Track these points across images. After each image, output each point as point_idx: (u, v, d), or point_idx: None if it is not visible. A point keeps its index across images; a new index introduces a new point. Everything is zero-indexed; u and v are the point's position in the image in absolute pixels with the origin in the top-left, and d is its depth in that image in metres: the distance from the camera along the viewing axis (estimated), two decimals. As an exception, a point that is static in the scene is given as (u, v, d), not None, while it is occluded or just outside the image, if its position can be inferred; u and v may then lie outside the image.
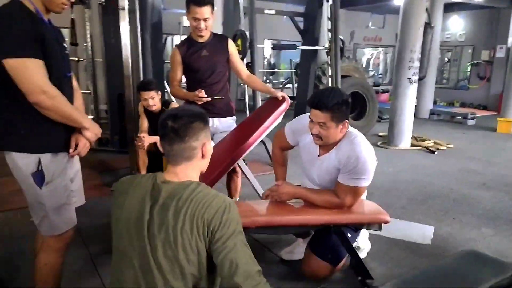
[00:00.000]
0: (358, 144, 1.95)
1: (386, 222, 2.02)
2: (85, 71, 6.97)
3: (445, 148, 5.91)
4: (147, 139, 3.34)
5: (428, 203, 3.65)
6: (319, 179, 2.15)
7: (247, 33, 5.19)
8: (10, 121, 1.56)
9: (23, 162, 1.57)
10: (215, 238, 1.14)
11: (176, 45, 2.84)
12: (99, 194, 3.65)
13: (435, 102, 10.31)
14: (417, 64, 5.77)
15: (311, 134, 2.02)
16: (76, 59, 6.81)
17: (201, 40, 2.71)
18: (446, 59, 12.25)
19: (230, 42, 2.83)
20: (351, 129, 2.05)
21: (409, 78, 5.76)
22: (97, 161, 4.78)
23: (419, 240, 2.86)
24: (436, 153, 5.64)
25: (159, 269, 1.15)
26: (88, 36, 5.54)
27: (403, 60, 5.76)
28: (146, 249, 1.16)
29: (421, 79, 7.30)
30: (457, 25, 11.30)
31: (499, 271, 1.63)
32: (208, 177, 2.11)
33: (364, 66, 14.02)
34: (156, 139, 3.25)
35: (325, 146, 2.05)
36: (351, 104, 1.97)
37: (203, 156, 1.30)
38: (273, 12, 6.26)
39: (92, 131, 1.67)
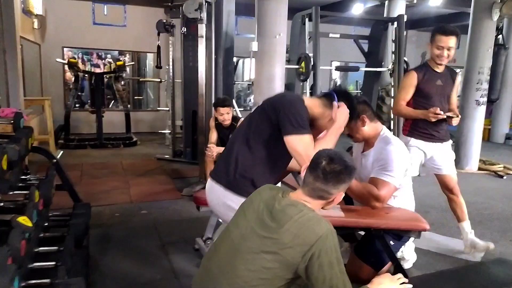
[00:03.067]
0: (390, 147, 2.26)
1: (425, 230, 2.17)
2: (165, 91, 7.80)
3: (516, 173, 5.65)
4: (215, 149, 3.78)
5: (486, 224, 3.60)
6: (363, 175, 2.40)
7: (311, 55, 5.53)
8: (255, 176, 1.90)
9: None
10: (312, 264, 1.23)
11: (414, 69, 2.91)
12: (172, 197, 4.18)
13: (514, 127, 9.68)
14: (485, 86, 5.65)
15: None
16: (159, 80, 7.66)
17: (437, 70, 2.83)
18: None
19: (458, 78, 2.97)
20: (390, 135, 2.37)
21: (477, 100, 5.65)
22: (171, 170, 5.38)
23: (469, 258, 2.90)
24: (505, 177, 5.42)
25: (244, 255, 1.33)
26: (170, 60, 6.25)
27: (470, 81, 5.68)
28: (243, 237, 1.36)
29: (492, 101, 7.04)
30: (541, 45, 10.56)
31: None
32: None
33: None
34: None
35: (366, 144, 2.43)
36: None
37: (332, 201, 1.42)
38: (337, 36, 6.53)
39: None
